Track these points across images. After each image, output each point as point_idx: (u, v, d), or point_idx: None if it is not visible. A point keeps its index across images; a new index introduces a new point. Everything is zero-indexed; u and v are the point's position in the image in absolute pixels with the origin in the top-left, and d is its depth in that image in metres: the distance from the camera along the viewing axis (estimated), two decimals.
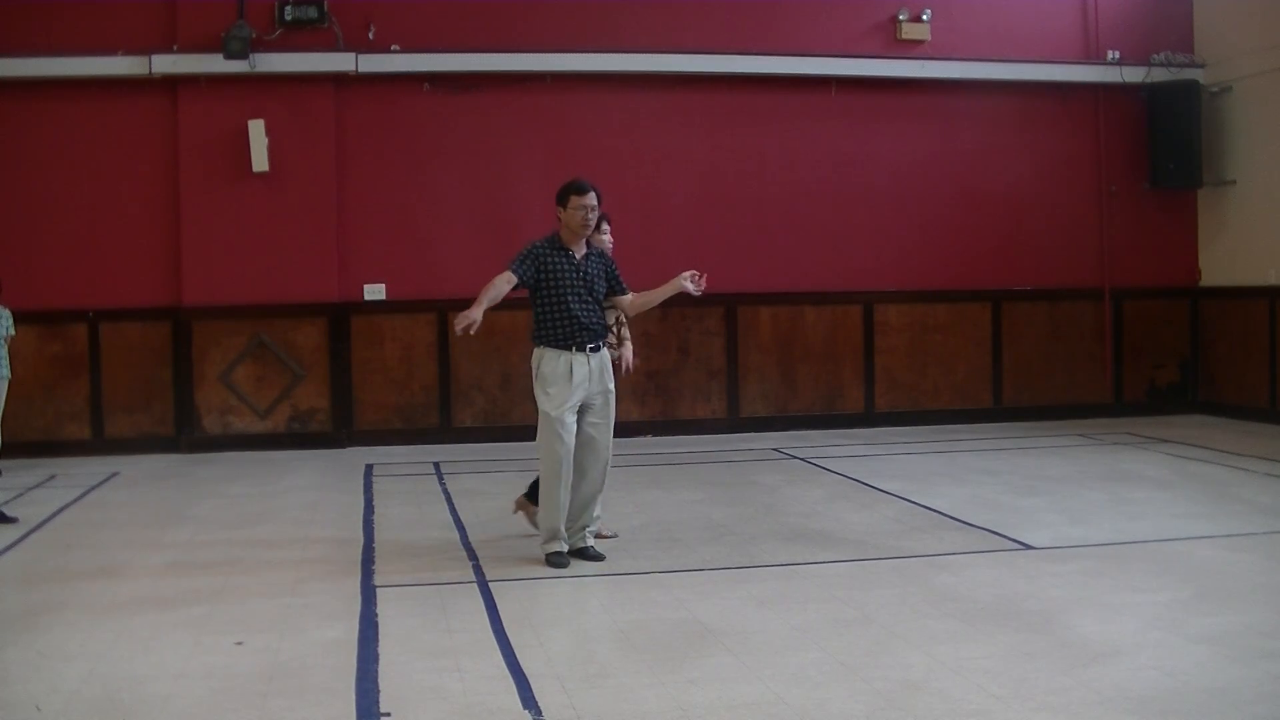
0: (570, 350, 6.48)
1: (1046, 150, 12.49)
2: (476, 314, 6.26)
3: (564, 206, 6.58)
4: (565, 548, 6.58)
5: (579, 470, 6.58)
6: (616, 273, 6.73)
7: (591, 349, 6.52)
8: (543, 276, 6.50)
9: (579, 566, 6.45)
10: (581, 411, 6.55)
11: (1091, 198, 12.57)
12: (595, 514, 6.73)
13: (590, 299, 6.52)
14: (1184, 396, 12.74)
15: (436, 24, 11.33)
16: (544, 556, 6.59)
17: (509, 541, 7.07)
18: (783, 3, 11.93)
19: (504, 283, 6.47)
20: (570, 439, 6.48)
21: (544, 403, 6.50)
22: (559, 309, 6.48)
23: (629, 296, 6.78)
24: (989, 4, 12.34)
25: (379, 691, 4.55)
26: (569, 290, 6.48)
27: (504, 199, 11.45)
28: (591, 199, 6.53)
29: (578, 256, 6.58)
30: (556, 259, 6.53)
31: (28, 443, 10.16)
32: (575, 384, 6.46)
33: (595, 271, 6.59)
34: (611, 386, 6.62)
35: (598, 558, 6.61)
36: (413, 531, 7.49)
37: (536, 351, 6.57)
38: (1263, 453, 9.89)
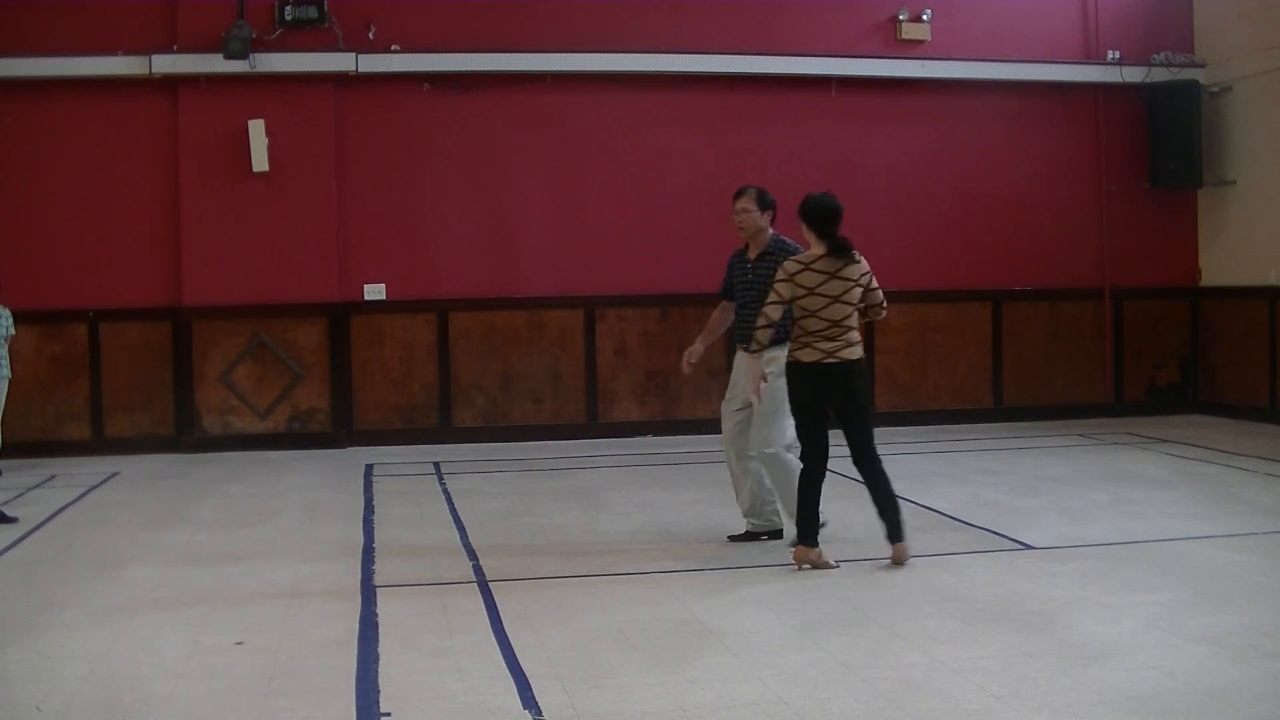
0: (737, 348, 6.97)
1: (1046, 150, 12.47)
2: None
3: None
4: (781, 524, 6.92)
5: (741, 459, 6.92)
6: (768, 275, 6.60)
7: (744, 348, 6.73)
8: (732, 281, 7.01)
9: (580, 566, 6.46)
10: None
11: (1091, 198, 12.55)
12: (772, 505, 6.94)
13: (758, 302, 6.55)
14: (1184, 396, 12.73)
15: (436, 24, 11.31)
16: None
17: (509, 541, 7.07)
18: (783, 3, 11.92)
19: (722, 311, 7.07)
20: (725, 426, 6.91)
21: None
22: (738, 309, 6.94)
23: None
24: (989, 4, 12.32)
25: (379, 691, 4.55)
26: (740, 293, 6.92)
27: (504, 199, 11.45)
28: (738, 202, 6.89)
29: (751, 258, 6.89)
30: (736, 264, 7.00)
31: (28, 443, 10.15)
32: (734, 378, 6.93)
33: (765, 274, 6.65)
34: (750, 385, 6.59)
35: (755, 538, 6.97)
36: (413, 531, 7.49)
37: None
38: (1263, 453, 9.88)
